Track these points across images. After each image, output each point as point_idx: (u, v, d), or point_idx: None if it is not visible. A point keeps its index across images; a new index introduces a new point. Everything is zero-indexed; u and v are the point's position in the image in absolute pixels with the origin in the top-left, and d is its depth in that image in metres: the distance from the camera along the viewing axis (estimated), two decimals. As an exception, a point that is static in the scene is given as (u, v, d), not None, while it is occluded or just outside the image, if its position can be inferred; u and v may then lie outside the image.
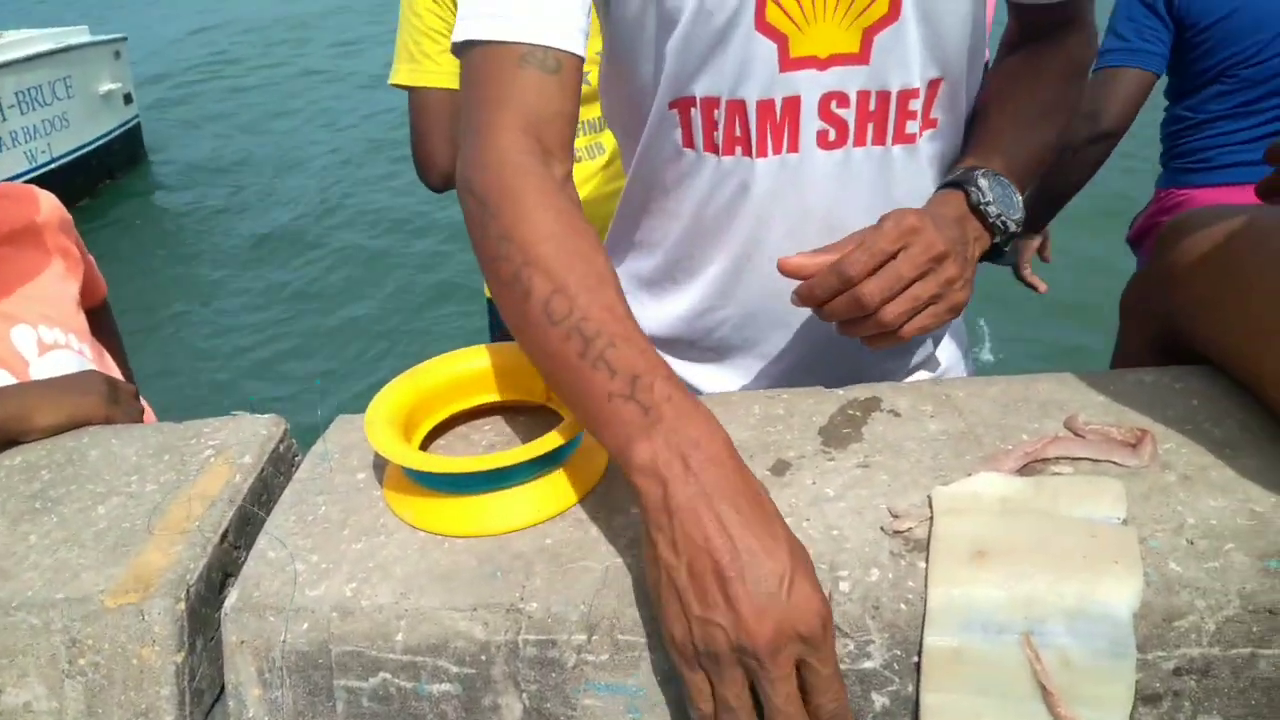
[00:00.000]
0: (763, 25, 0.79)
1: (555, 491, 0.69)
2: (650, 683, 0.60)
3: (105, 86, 7.99)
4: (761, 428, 0.76)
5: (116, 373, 1.10)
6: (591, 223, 0.71)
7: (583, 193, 1.58)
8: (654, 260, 0.96)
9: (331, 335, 4.97)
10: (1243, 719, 0.58)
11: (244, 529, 0.73)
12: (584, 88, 0.83)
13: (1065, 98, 0.93)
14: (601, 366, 0.62)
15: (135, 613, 0.64)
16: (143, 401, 1.28)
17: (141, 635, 0.64)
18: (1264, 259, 0.71)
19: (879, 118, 0.83)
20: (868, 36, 0.80)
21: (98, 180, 7.78)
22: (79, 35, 7.84)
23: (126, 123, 8.28)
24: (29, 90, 7.16)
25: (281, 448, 0.81)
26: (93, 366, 1.05)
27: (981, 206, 0.82)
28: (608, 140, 1.66)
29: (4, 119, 6.93)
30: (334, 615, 0.63)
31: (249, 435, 0.80)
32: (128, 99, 8.34)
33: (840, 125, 0.83)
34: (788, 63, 0.80)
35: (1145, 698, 0.58)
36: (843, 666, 0.59)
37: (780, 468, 0.71)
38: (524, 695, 0.61)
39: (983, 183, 0.82)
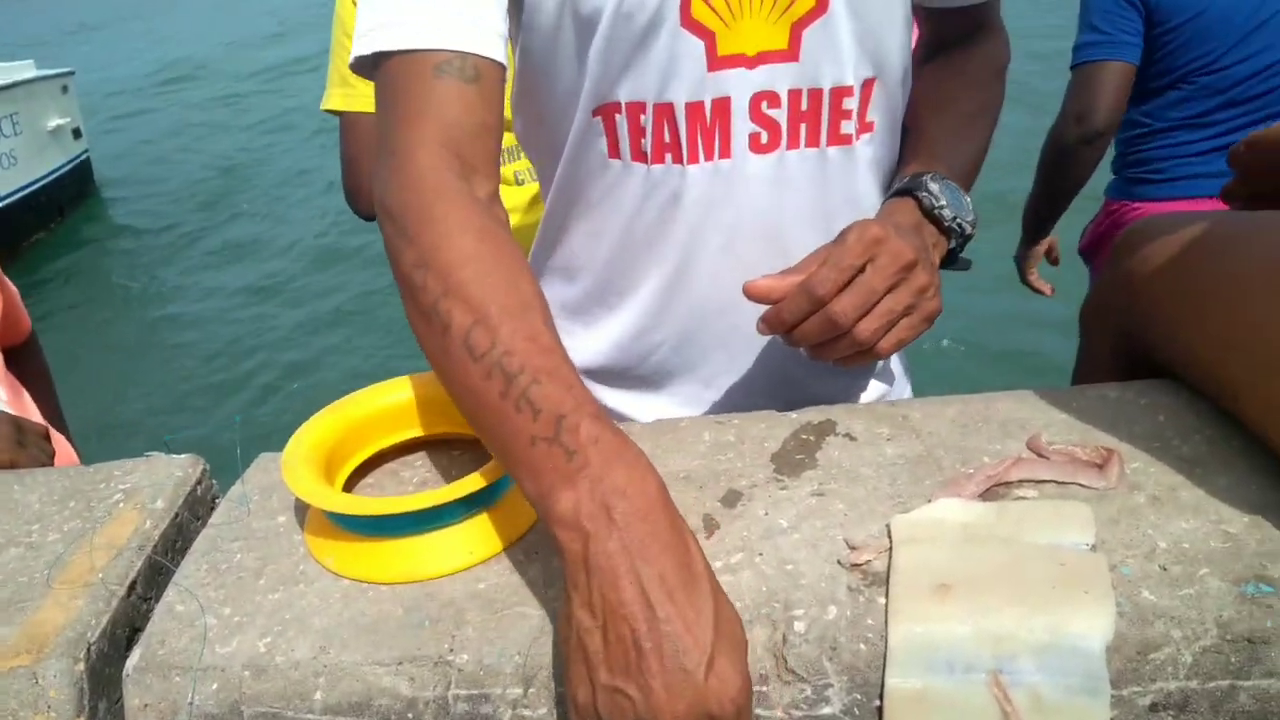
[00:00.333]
0: (689, 22, 0.75)
1: (488, 532, 0.64)
2: (592, 738, 0.56)
3: (53, 122, 7.86)
4: (711, 455, 0.72)
5: (34, 413, 1.04)
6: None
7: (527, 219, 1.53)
8: (581, 285, 0.91)
9: (269, 369, 4.93)
10: (1225, 757, 0.54)
11: (155, 580, 0.68)
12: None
13: (993, 102, 0.93)
14: (524, 407, 0.57)
15: (28, 676, 0.58)
16: (64, 443, 1.22)
17: (35, 701, 0.58)
18: (1221, 269, 0.69)
19: (811, 118, 0.80)
20: (796, 31, 0.77)
21: (48, 217, 7.62)
22: (25, 70, 7.70)
23: (76, 158, 8.15)
24: (-26, 129, 7.05)
25: (199, 490, 0.76)
26: (2, 407, 0.99)
27: (936, 211, 0.79)
28: None
29: (-51, 159, 6.81)
30: (246, 674, 0.58)
31: (163, 477, 0.75)
32: (76, 134, 8.21)
33: (772, 127, 0.80)
34: (716, 61, 0.77)
35: (1122, 737, 0.54)
36: (799, 714, 0.55)
37: (731, 498, 0.67)
38: (455, 756, 0.56)
39: (933, 186, 0.80)
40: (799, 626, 0.56)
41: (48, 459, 0.87)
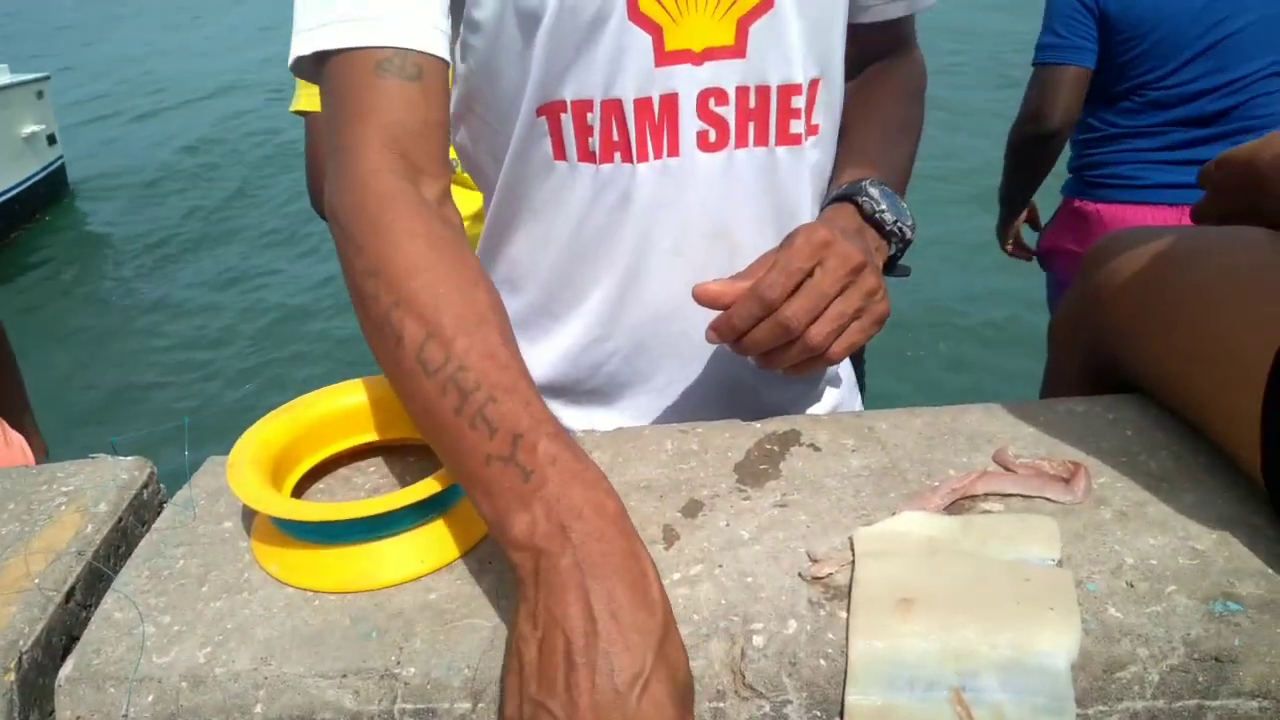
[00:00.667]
0: (636, 15, 0.73)
1: (441, 540, 0.62)
2: (542, 755, 0.54)
3: (28, 129, 7.76)
4: (673, 464, 0.71)
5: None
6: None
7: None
8: (526, 297, 0.88)
9: (225, 373, 4.91)
10: (1191, 778, 0.53)
11: (95, 586, 0.65)
12: None
13: (917, 119, 0.95)
14: (480, 424, 0.55)
15: (-47, 687, 0.56)
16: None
17: (-40, 713, 0.56)
18: (1186, 283, 0.68)
19: (759, 116, 0.79)
20: (742, 27, 0.75)
21: (21, 223, 7.50)
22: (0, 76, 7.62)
23: (50, 165, 8.04)
24: (-52, 136, 6.95)
25: (146, 494, 0.73)
26: None
27: (877, 215, 0.79)
28: None
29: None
30: (184, 685, 0.55)
31: (107, 480, 0.72)
32: (51, 140, 8.11)
33: (720, 125, 0.78)
34: (663, 56, 0.75)
35: (1086, 758, 0.53)
36: (756, 731, 0.53)
37: (692, 508, 0.66)
38: (399, 772, 0.54)
39: (873, 191, 0.79)
40: (758, 641, 0.55)
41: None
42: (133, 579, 0.63)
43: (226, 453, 0.75)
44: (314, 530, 0.60)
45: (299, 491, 0.70)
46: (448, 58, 0.72)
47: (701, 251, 0.80)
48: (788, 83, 0.78)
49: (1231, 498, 0.62)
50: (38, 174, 7.83)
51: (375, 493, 0.70)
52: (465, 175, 1.50)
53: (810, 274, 0.69)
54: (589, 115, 0.76)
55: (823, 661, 0.53)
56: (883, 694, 0.52)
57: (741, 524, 0.64)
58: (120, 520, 0.69)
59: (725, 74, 0.76)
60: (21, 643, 0.58)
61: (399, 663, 0.55)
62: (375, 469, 0.73)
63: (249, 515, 0.68)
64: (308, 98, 1.54)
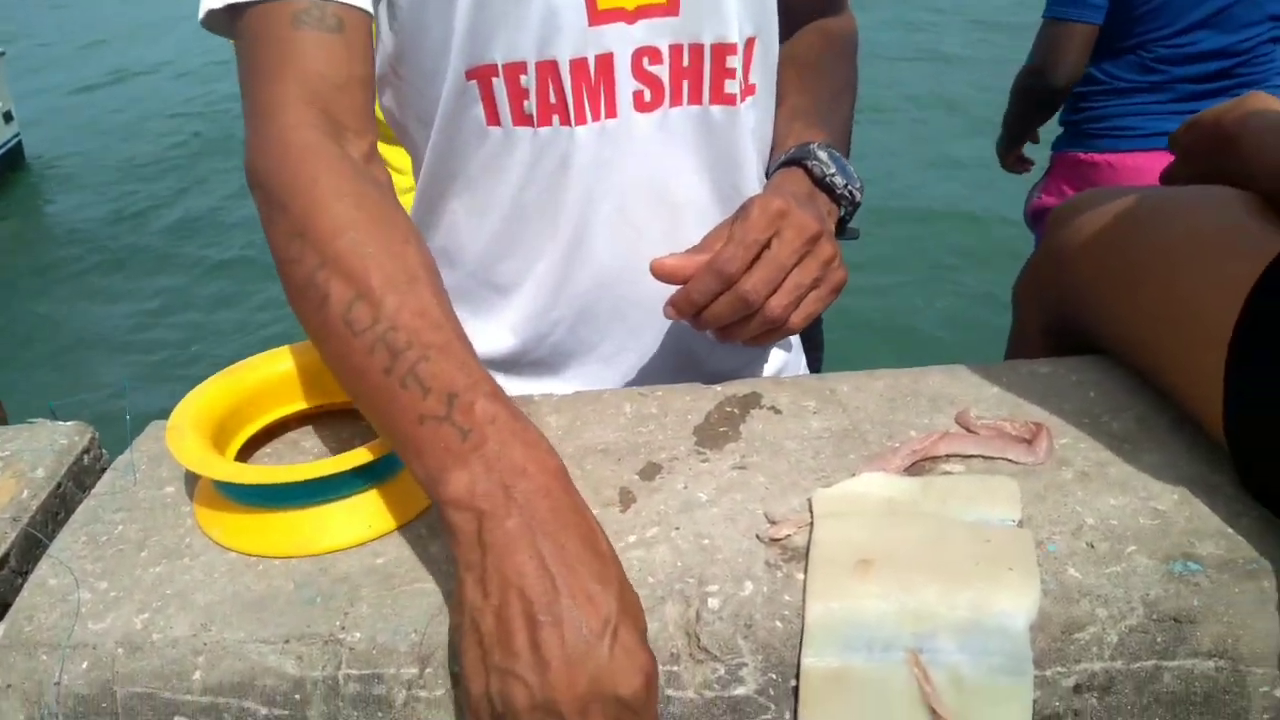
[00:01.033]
0: None
1: (389, 505, 0.60)
2: (492, 721, 0.52)
3: (-17, 106, 7.59)
4: (632, 428, 0.69)
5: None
6: None
7: None
8: (465, 269, 0.84)
9: (171, 340, 4.93)
10: (1148, 739, 0.52)
11: (31, 553, 0.63)
12: None
13: (854, 78, 0.93)
14: (412, 384, 0.53)
15: (-122, 657, 0.54)
16: None
17: (-114, 683, 0.53)
18: (1151, 243, 0.67)
19: (693, 74, 0.76)
20: None
21: (-23, 200, 7.35)
22: (-46, 53, 7.43)
23: (7, 141, 7.86)
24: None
25: (87, 459, 0.71)
26: None
27: (827, 179, 0.77)
28: None
29: None
30: (120, 652, 0.53)
31: (45, 445, 0.70)
32: (8, 117, 7.92)
33: (655, 84, 0.76)
34: (596, 15, 0.72)
35: (1044, 718, 0.52)
36: (711, 694, 0.52)
37: (650, 471, 0.64)
38: (345, 740, 0.53)
39: (822, 155, 0.78)
40: (713, 603, 0.53)
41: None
42: (69, 545, 0.61)
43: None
44: (256, 494, 0.59)
45: (245, 455, 0.68)
46: (370, 9, 0.69)
47: (644, 213, 0.78)
48: (722, 41, 0.76)
49: (1193, 458, 0.62)
50: None
51: (323, 457, 0.68)
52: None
53: (767, 245, 0.68)
54: (523, 78, 0.73)
55: (779, 623, 0.52)
56: (839, 656, 0.51)
57: (699, 486, 0.62)
58: (59, 486, 0.67)
59: (658, 32, 0.74)
60: (-49, 611, 0.56)
61: (344, 628, 0.53)
62: (326, 433, 0.71)
63: (192, 480, 0.65)
64: None
